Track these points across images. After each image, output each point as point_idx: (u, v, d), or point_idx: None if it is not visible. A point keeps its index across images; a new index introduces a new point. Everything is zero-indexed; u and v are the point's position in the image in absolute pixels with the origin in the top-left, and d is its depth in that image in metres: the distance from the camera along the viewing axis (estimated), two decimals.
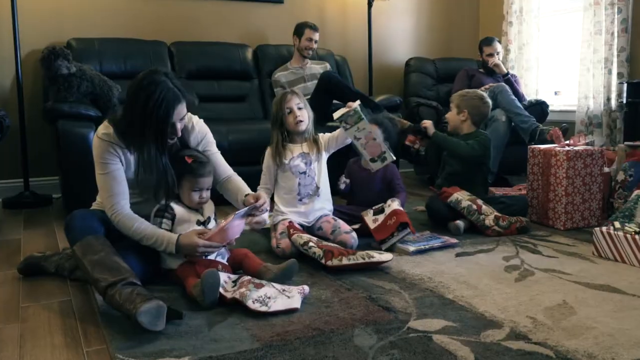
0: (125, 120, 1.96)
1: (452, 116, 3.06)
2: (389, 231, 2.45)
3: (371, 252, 2.19)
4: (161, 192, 2.04)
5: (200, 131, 2.18)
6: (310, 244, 2.27)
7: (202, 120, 2.22)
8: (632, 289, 1.94)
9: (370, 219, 2.55)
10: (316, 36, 4.25)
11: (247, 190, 2.21)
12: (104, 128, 1.99)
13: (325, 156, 2.65)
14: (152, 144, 1.96)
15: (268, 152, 2.63)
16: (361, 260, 2.15)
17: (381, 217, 2.52)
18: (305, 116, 2.57)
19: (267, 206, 2.11)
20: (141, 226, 1.97)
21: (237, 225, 1.98)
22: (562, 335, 1.57)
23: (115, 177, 1.99)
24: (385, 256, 2.20)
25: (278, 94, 2.65)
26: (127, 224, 1.97)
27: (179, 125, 1.98)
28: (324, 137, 2.65)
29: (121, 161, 2.00)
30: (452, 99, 3.09)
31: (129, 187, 2.03)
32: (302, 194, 2.57)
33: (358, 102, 2.50)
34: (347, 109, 2.46)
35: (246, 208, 2.03)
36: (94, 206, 2.14)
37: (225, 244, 2.01)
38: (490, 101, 3.08)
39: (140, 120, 1.92)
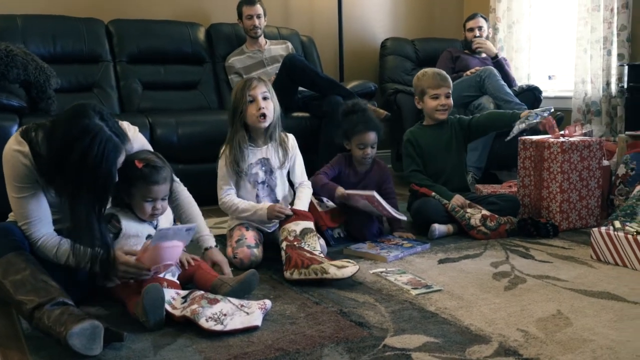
0: (50, 168, 1.80)
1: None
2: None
3: (327, 266, 2.14)
4: (96, 263, 1.89)
5: (137, 146, 2.09)
6: (285, 243, 2.29)
7: (137, 129, 2.13)
8: (633, 296, 1.99)
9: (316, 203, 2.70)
10: (256, 10, 4.20)
11: (202, 225, 2.22)
12: (18, 144, 1.85)
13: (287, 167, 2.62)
14: (91, 209, 1.81)
15: (223, 156, 2.51)
16: (313, 276, 2.14)
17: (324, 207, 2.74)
18: (270, 109, 2.47)
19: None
20: (62, 248, 1.91)
21: (172, 246, 1.90)
22: (556, 349, 1.61)
23: (35, 201, 1.90)
24: (344, 271, 2.12)
25: (243, 80, 2.53)
26: (49, 248, 1.91)
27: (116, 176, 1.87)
28: (293, 145, 2.63)
29: (38, 182, 1.89)
30: (447, 87, 3.00)
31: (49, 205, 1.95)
32: (261, 202, 2.54)
33: None
34: None
35: (181, 227, 1.97)
36: (11, 218, 2.05)
37: (154, 271, 1.93)
38: None
39: (72, 178, 1.76)
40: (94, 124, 1.75)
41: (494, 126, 3.06)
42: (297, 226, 2.35)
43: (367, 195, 2.59)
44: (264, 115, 2.45)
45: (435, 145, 3.03)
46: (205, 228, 2.26)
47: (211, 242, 2.25)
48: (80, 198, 1.79)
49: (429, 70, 3.09)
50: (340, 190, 2.69)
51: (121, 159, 1.85)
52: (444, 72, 3.07)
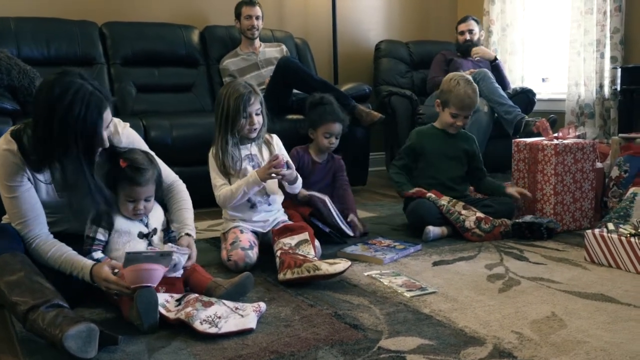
0: (38, 139, 1.83)
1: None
2: None
3: (319, 263, 2.16)
4: (97, 217, 1.94)
5: (126, 141, 2.10)
6: (279, 252, 2.31)
7: (127, 125, 2.14)
8: (627, 298, 2.00)
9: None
10: (256, 11, 4.21)
11: (187, 221, 2.15)
12: (6, 143, 1.89)
13: None
14: (80, 164, 1.83)
15: (212, 158, 2.55)
16: (306, 274, 2.14)
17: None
18: (260, 122, 2.55)
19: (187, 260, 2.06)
20: (56, 254, 1.91)
21: (150, 269, 1.84)
22: (550, 351, 1.61)
23: (27, 200, 1.91)
24: (336, 267, 2.14)
25: (236, 88, 2.50)
26: (43, 250, 1.91)
27: (105, 135, 1.88)
28: (277, 143, 2.67)
29: (30, 180, 1.92)
30: (470, 111, 3.01)
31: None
32: (253, 201, 2.54)
33: None
34: None
35: (157, 251, 1.93)
36: (5, 220, 2.06)
37: (133, 290, 1.81)
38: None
39: (60, 137, 1.78)
40: (75, 81, 1.80)
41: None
42: (292, 240, 2.38)
43: (321, 199, 2.71)
44: (254, 130, 2.54)
45: (439, 149, 3.01)
46: (189, 221, 2.17)
47: (188, 230, 2.15)
48: (70, 155, 1.81)
49: (462, 83, 2.95)
50: (303, 191, 2.76)
51: (107, 116, 1.87)
52: (474, 96, 2.96)
